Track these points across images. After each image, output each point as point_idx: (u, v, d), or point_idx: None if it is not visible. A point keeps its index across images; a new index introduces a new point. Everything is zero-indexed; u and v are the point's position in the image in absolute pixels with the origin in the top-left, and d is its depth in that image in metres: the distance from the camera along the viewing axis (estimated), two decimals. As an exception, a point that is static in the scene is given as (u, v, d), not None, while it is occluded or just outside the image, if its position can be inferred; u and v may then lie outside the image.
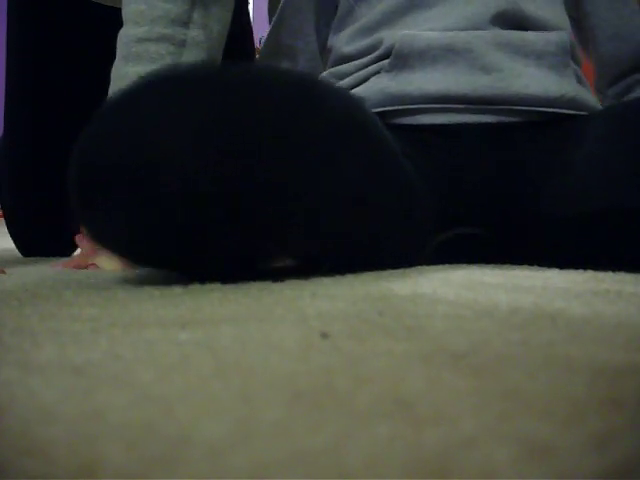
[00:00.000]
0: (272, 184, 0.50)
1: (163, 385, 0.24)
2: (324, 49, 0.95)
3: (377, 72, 0.80)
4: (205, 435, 0.19)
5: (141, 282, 0.57)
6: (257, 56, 1.01)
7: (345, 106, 0.59)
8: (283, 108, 0.51)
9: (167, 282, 0.55)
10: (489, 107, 0.75)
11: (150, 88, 0.51)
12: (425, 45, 0.77)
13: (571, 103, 0.76)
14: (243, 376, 0.25)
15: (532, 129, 0.76)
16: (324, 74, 0.88)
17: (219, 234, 0.51)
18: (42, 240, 1.03)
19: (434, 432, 0.19)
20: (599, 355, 0.28)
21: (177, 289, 0.50)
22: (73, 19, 1.00)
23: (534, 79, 0.75)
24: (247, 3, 1.08)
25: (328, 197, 0.55)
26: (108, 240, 0.55)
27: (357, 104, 0.63)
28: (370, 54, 0.81)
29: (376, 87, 0.78)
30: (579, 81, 0.80)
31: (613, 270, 0.62)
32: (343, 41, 0.85)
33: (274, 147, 0.50)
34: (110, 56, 0.95)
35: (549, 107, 0.75)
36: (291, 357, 0.28)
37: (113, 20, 0.92)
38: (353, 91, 0.80)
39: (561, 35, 0.79)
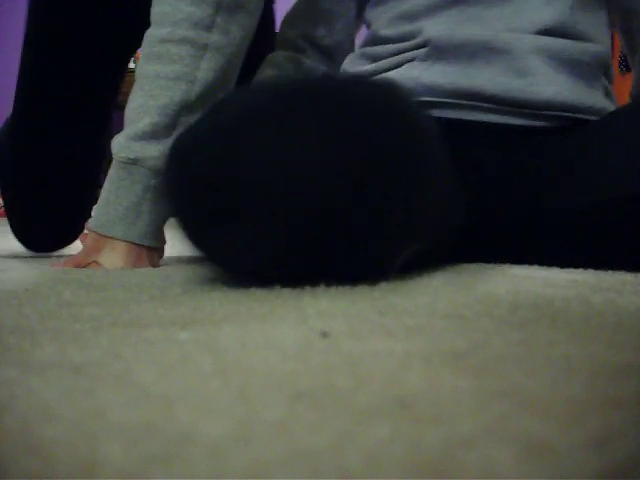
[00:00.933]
0: (394, 196, 0.50)
1: (163, 384, 0.24)
2: (360, 19, 0.93)
3: (412, 59, 0.79)
4: (205, 434, 0.19)
5: (141, 282, 0.57)
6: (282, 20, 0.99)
7: (421, 114, 0.59)
8: (395, 124, 0.51)
9: (167, 282, 0.56)
10: (518, 110, 0.75)
11: (274, 102, 0.49)
12: (465, 39, 0.76)
13: (596, 114, 0.76)
14: (243, 375, 0.25)
15: (554, 132, 0.76)
16: (356, 52, 0.87)
17: (350, 245, 0.50)
18: (47, 235, 1.04)
19: (434, 432, 0.19)
20: (599, 355, 0.28)
21: (177, 289, 0.50)
22: (94, 13, 0.99)
23: (565, 87, 0.75)
24: (273, 2, 1.07)
25: (428, 206, 0.56)
26: (233, 256, 0.52)
27: (421, 110, 0.63)
28: (408, 41, 0.81)
29: (409, 75, 0.77)
30: (607, 94, 0.80)
31: (613, 270, 0.62)
32: (381, 22, 0.85)
33: (396, 164, 0.50)
34: (125, 54, 0.94)
35: (575, 113, 0.75)
36: (291, 357, 0.28)
37: (132, 16, 0.92)
38: (385, 75, 0.79)
39: (599, 47, 0.79)
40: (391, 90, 0.55)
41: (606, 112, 0.77)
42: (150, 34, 0.75)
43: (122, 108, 0.79)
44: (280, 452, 0.18)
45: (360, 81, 0.56)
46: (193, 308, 0.41)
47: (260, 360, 0.27)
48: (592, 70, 0.78)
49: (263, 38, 0.96)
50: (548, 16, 0.78)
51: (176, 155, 0.52)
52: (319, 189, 0.47)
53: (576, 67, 0.77)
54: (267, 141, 0.47)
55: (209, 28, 0.73)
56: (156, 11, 0.75)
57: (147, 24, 0.76)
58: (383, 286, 0.51)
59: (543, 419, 0.20)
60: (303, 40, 0.97)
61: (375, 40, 0.85)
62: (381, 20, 0.85)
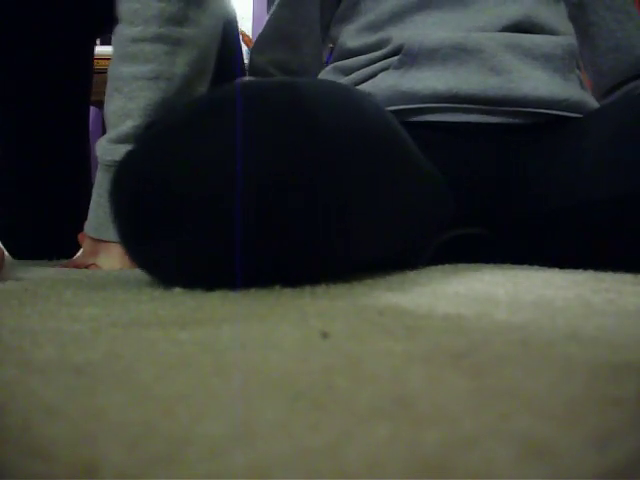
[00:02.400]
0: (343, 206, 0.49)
1: (163, 385, 0.24)
2: (326, 37, 0.94)
3: (385, 69, 0.79)
4: (205, 434, 0.19)
5: (141, 282, 0.57)
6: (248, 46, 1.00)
7: (382, 115, 0.58)
8: (346, 126, 0.50)
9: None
10: (497, 108, 0.75)
11: (218, 109, 0.49)
12: (436, 44, 0.77)
13: (575, 106, 0.77)
14: (243, 376, 0.25)
15: (535, 130, 0.76)
16: (329, 68, 0.87)
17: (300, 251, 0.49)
18: (31, 240, 1.01)
19: (434, 432, 0.19)
20: (599, 355, 0.28)
21: (177, 289, 0.50)
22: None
23: (541, 81, 0.75)
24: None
25: (385, 209, 0.55)
26: (168, 265, 0.51)
27: (385, 110, 0.62)
28: (377, 50, 0.81)
29: (384, 84, 0.78)
30: (581, 86, 0.81)
31: (613, 269, 0.62)
32: (348, 35, 0.85)
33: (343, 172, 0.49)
34: (88, 38, 0.91)
35: (555, 109, 0.76)
36: (291, 357, 0.28)
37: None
38: (360, 87, 0.80)
39: (568, 39, 0.79)
40: (348, 90, 0.55)
41: (584, 104, 0.78)
42: (121, 33, 0.73)
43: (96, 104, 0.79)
44: (280, 452, 0.18)
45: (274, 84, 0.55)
46: (193, 308, 0.41)
47: (260, 360, 0.27)
48: (565, 63, 0.78)
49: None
50: (512, 11, 0.79)
51: (117, 171, 0.52)
52: (259, 201, 0.46)
53: (549, 61, 0.78)
54: (211, 150, 0.47)
55: (181, 23, 0.72)
56: (125, 8, 0.73)
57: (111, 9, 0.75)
58: (383, 286, 0.51)
59: (543, 419, 0.20)
60: (272, 66, 0.96)
61: (344, 54, 0.86)
62: (347, 33, 0.85)
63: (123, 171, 0.51)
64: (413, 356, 0.28)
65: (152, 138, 0.50)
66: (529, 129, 0.77)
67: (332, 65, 0.86)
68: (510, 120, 0.76)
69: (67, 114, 1.00)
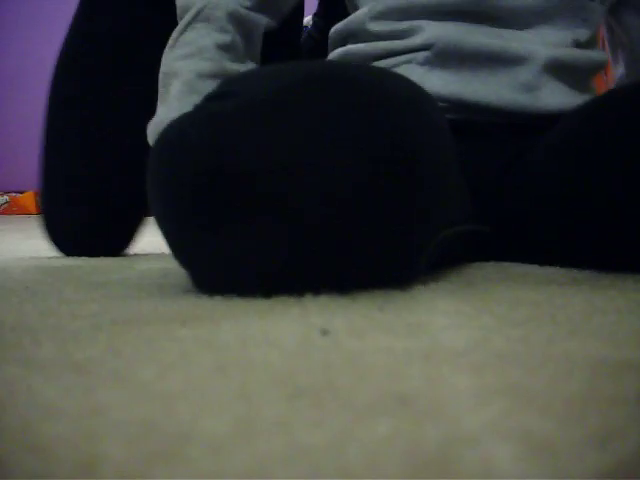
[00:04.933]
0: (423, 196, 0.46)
1: (163, 382, 0.24)
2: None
3: (407, 62, 0.74)
4: (205, 432, 0.19)
5: (141, 279, 0.57)
6: None
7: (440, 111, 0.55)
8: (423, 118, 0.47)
9: (167, 279, 0.56)
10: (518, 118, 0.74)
11: (300, 88, 0.44)
12: (472, 48, 0.72)
13: None
14: (243, 373, 0.25)
15: (543, 131, 0.75)
16: (339, 50, 0.80)
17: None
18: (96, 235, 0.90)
19: (434, 429, 0.19)
20: (599, 352, 0.28)
21: (177, 286, 0.50)
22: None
23: (566, 96, 0.74)
24: None
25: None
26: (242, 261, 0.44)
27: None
28: (402, 39, 0.75)
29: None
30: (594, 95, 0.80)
31: (613, 268, 0.62)
32: (372, 16, 0.76)
33: (425, 161, 0.46)
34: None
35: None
36: (291, 354, 0.28)
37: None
38: None
39: (601, 56, 0.77)
40: (412, 83, 0.51)
41: None
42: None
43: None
44: (280, 449, 0.18)
45: (373, 69, 0.52)
46: (193, 305, 0.41)
47: (260, 357, 0.27)
48: (588, 76, 0.77)
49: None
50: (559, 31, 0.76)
51: (164, 146, 0.45)
52: (337, 182, 0.42)
53: (575, 74, 0.76)
54: (277, 127, 0.42)
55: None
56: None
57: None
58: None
59: (543, 416, 0.20)
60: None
61: (360, 35, 0.78)
62: (371, 13, 0.77)
63: (189, 140, 0.43)
64: (413, 353, 0.28)
65: (231, 111, 0.43)
66: (537, 129, 0.76)
67: (344, 49, 0.79)
68: (522, 122, 0.75)
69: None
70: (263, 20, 0.78)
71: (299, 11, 0.95)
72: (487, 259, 0.75)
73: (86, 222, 0.90)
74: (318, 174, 0.42)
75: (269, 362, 0.26)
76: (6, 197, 3.56)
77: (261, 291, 0.43)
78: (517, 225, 0.74)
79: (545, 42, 0.75)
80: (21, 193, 3.54)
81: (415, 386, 0.23)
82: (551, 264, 0.68)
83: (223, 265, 0.44)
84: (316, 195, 0.42)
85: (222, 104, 0.44)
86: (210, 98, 0.46)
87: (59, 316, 0.38)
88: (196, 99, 0.49)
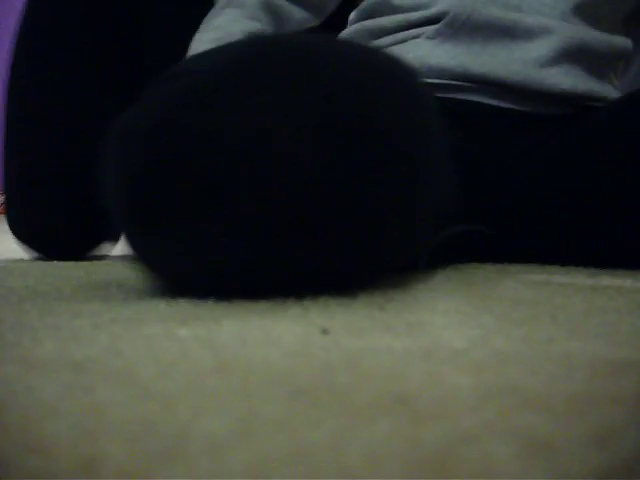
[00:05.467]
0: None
1: (163, 381, 0.24)
2: None
3: (415, 37, 0.72)
4: (205, 431, 0.19)
5: (141, 278, 0.57)
6: None
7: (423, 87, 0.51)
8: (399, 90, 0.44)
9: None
10: (527, 97, 0.71)
11: (242, 61, 0.41)
12: (485, 21, 0.70)
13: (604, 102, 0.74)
14: (243, 372, 0.25)
15: (558, 120, 0.73)
16: (355, 28, 0.77)
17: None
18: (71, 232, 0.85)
19: (434, 428, 0.19)
20: (599, 351, 0.28)
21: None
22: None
23: (580, 79, 0.72)
24: None
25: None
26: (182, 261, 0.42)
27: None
28: (417, 11, 0.73)
29: (412, 54, 0.71)
30: (614, 85, 0.78)
31: (613, 267, 0.62)
32: None
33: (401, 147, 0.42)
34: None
35: (586, 101, 0.72)
36: (291, 353, 0.28)
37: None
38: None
39: (625, 42, 0.75)
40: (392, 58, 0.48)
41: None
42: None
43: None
44: (280, 449, 0.18)
45: (346, 42, 0.49)
46: (193, 304, 0.41)
47: (260, 356, 0.27)
48: (609, 63, 0.75)
49: None
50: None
51: (122, 134, 0.41)
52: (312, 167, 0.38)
53: (594, 58, 0.73)
54: (241, 106, 0.38)
55: None
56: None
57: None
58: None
59: (543, 416, 0.20)
60: None
61: (382, 10, 0.76)
62: None
63: (136, 125, 0.40)
64: (413, 352, 0.28)
65: (184, 87, 0.40)
66: (551, 118, 0.74)
67: (357, 25, 0.77)
68: (539, 110, 0.73)
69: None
70: (299, 13, 0.76)
71: (344, 11, 0.92)
72: (487, 259, 0.75)
73: (51, 223, 0.87)
74: (273, 158, 0.38)
75: (269, 361, 0.26)
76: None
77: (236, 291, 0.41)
78: (517, 224, 0.73)
79: (563, 21, 0.72)
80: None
81: (415, 386, 0.23)
82: (551, 264, 0.68)
83: (185, 266, 0.41)
84: (275, 181, 0.38)
85: (172, 84, 0.40)
86: (163, 80, 0.43)
87: (59, 315, 0.38)
88: None
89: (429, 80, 0.69)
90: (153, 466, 0.17)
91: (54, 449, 0.18)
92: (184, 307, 0.40)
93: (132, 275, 0.60)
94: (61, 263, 0.77)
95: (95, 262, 0.77)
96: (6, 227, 0.98)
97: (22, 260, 0.84)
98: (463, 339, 0.30)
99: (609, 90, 0.75)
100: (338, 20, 0.84)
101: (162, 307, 0.40)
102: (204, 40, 0.71)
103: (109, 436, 0.18)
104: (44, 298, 0.45)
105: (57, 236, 0.85)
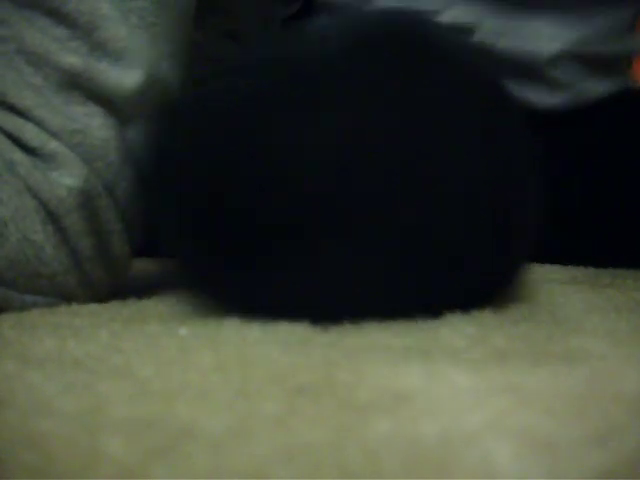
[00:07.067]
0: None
1: (163, 379, 0.24)
2: None
3: None
4: (205, 429, 0.19)
5: (141, 279, 0.57)
6: None
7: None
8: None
9: (167, 277, 0.55)
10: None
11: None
12: None
13: None
14: (243, 370, 0.25)
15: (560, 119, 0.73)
16: None
17: None
18: None
19: (433, 427, 0.19)
20: (599, 350, 0.28)
21: (177, 286, 0.50)
22: None
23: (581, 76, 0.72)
24: None
25: None
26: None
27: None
28: None
29: None
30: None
31: (613, 266, 0.62)
32: None
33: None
34: None
35: None
36: (291, 351, 0.28)
37: None
38: None
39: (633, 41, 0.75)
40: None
41: None
42: None
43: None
44: (280, 447, 0.18)
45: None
46: (193, 303, 0.41)
47: (260, 354, 0.27)
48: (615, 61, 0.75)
49: None
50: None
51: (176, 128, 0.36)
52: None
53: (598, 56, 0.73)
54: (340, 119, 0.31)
55: None
56: None
57: None
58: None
59: (543, 414, 0.20)
60: None
61: None
62: None
63: (211, 130, 0.33)
64: (413, 350, 0.28)
65: (263, 90, 0.32)
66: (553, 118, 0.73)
67: None
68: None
69: None
70: None
71: None
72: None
73: None
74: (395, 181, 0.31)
75: (269, 359, 0.26)
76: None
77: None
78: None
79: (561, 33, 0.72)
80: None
81: (415, 383, 0.23)
82: (551, 263, 0.68)
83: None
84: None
85: (248, 80, 0.33)
86: (229, 71, 0.36)
87: (59, 314, 0.38)
88: None
89: None
90: (152, 463, 0.17)
91: (54, 446, 0.18)
92: (184, 306, 0.40)
93: (131, 276, 0.60)
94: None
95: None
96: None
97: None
98: (463, 337, 0.30)
99: (612, 88, 0.74)
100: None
101: (162, 306, 0.40)
102: None
103: (109, 433, 0.18)
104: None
105: None
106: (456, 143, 0.33)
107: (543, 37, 0.67)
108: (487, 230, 0.34)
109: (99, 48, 0.39)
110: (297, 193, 0.31)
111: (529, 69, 0.67)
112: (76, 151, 0.38)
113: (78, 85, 0.39)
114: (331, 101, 0.31)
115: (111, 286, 0.43)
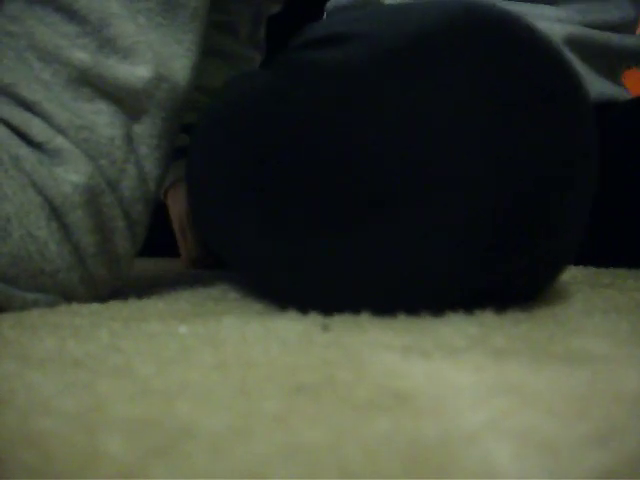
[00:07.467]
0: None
1: (163, 378, 0.24)
2: None
3: None
4: (205, 428, 0.19)
5: (141, 277, 0.57)
6: None
7: None
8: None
9: (167, 277, 0.56)
10: None
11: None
12: None
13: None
14: (243, 369, 0.25)
15: None
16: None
17: None
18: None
19: (434, 426, 0.19)
20: (600, 350, 0.28)
21: (177, 285, 0.50)
22: None
23: (589, 80, 0.71)
24: None
25: None
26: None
27: None
28: None
29: None
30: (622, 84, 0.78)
31: (614, 266, 0.62)
32: None
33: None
34: None
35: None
36: (292, 350, 0.28)
37: None
38: None
39: (634, 41, 0.75)
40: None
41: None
42: None
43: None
44: (280, 446, 0.18)
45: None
46: (193, 302, 0.41)
47: (260, 353, 0.27)
48: (618, 62, 0.74)
49: None
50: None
51: (244, 105, 0.35)
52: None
53: (603, 58, 0.73)
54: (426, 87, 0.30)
55: None
56: None
57: None
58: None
59: (544, 414, 0.20)
60: None
61: None
62: None
63: (288, 105, 0.32)
64: (413, 350, 0.28)
65: (354, 62, 0.31)
66: None
67: None
68: None
69: None
70: None
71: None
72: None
73: None
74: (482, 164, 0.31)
75: (269, 358, 0.26)
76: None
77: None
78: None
79: (567, 17, 0.72)
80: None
81: (415, 383, 0.23)
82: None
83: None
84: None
85: (335, 53, 0.32)
86: (310, 43, 0.34)
87: (59, 313, 0.38)
88: None
89: None
90: (152, 462, 0.17)
91: (53, 445, 0.18)
92: (184, 305, 0.40)
93: (131, 275, 0.60)
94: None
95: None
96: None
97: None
98: (463, 337, 0.30)
99: (620, 92, 0.74)
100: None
101: (161, 306, 0.40)
102: None
103: (108, 432, 0.18)
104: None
105: None
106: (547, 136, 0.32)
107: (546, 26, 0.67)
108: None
109: (108, 45, 0.39)
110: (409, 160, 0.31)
111: None
112: (82, 147, 0.39)
113: (87, 81, 0.39)
114: (434, 76, 0.30)
115: (113, 284, 0.43)
